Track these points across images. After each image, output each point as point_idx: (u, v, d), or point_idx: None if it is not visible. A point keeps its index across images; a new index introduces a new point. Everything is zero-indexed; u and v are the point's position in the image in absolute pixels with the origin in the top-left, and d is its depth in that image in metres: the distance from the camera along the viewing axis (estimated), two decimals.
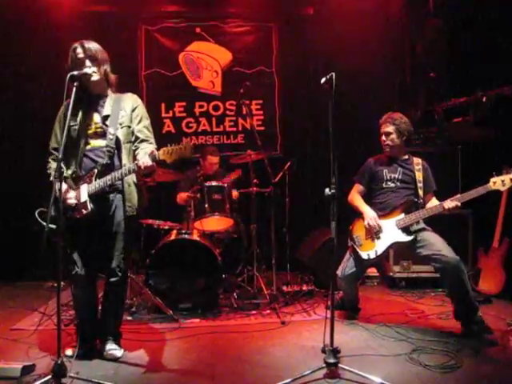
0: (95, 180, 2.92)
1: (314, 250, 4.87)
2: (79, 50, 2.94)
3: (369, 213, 3.63)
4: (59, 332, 2.56)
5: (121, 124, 3.03)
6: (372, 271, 5.05)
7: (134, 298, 4.17)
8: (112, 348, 3.06)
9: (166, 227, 4.52)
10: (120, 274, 3.06)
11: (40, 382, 2.54)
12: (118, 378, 2.77)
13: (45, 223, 2.69)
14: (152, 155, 2.78)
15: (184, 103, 6.05)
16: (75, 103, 2.81)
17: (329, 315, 2.84)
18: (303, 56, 6.00)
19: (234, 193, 4.88)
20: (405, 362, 2.92)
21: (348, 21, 5.72)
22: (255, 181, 4.53)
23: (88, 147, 3.01)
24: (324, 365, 2.71)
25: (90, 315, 3.13)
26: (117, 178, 2.91)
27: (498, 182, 3.26)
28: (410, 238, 3.51)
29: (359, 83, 5.69)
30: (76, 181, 2.97)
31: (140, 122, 3.11)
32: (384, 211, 3.65)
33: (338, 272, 3.69)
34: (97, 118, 3.04)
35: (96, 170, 2.94)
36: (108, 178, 2.90)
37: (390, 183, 3.75)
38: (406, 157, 3.83)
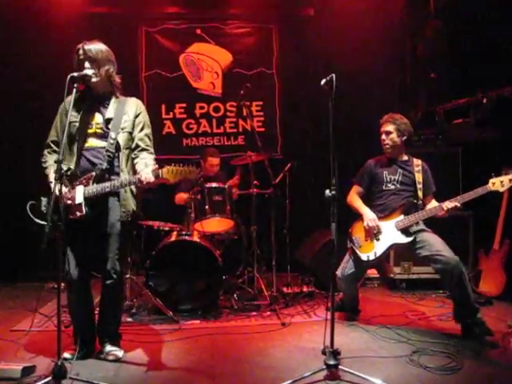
0: (92, 184, 2.90)
1: (314, 251, 4.87)
2: (80, 52, 2.95)
3: (368, 214, 3.63)
4: (59, 333, 2.55)
5: (123, 129, 3.03)
6: (372, 272, 5.05)
7: (135, 300, 4.17)
8: (112, 349, 3.06)
9: (167, 228, 4.52)
10: (115, 276, 3.02)
11: (40, 383, 2.54)
12: (118, 379, 2.76)
13: (35, 218, 2.70)
14: (155, 172, 2.79)
15: (184, 104, 6.06)
16: (78, 101, 2.81)
17: (329, 317, 2.84)
18: (303, 57, 6.00)
19: (234, 190, 4.90)
20: (405, 364, 2.92)
21: (348, 22, 5.73)
22: (255, 182, 4.53)
23: (86, 146, 2.99)
24: (324, 366, 2.70)
25: (85, 319, 3.11)
26: (116, 187, 2.90)
27: (496, 183, 3.27)
28: (409, 239, 3.51)
29: (360, 84, 5.70)
30: (71, 179, 2.93)
31: (142, 129, 3.10)
32: (384, 213, 3.65)
33: (338, 273, 3.69)
34: (99, 118, 3.03)
35: (94, 174, 2.92)
36: (106, 185, 2.88)
37: (389, 185, 3.75)
38: (406, 158, 3.83)
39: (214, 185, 4.52)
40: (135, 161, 3.05)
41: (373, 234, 3.58)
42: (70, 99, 2.83)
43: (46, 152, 3.11)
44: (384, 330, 3.56)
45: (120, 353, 3.06)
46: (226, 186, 4.52)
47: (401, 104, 5.80)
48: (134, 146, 3.07)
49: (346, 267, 3.68)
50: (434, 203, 3.63)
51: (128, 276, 4.16)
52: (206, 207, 4.38)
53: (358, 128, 5.58)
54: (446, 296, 4.33)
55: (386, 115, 3.80)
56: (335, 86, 2.78)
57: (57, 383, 2.50)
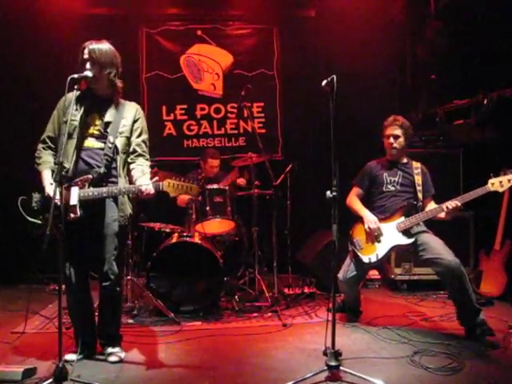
0: (88, 187, 2.88)
1: (315, 252, 4.87)
2: (85, 51, 2.93)
3: (369, 217, 3.63)
4: (60, 335, 2.55)
5: (121, 133, 3.03)
6: (374, 274, 5.05)
7: (136, 301, 4.17)
8: (113, 351, 3.05)
9: (168, 230, 4.52)
10: (112, 277, 3.00)
11: None
12: (119, 380, 2.76)
13: (25, 213, 2.71)
14: (156, 184, 2.82)
15: (185, 106, 6.05)
16: (78, 99, 2.81)
17: (330, 318, 2.83)
18: (304, 58, 6.00)
19: (240, 180, 4.94)
20: (406, 365, 2.91)
21: (349, 23, 5.72)
22: (256, 183, 4.53)
23: (83, 146, 2.96)
24: (325, 367, 2.70)
25: (85, 321, 3.11)
26: (114, 193, 2.90)
27: (496, 184, 3.27)
28: (410, 240, 3.51)
29: (360, 85, 5.70)
30: (66, 179, 2.86)
31: (140, 135, 3.11)
32: (384, 214, 3.65)
33: (340, 275, 3.68)
34: (98, 120, 3.03)
35: (91, 177, 2.90)
36: (104, 191, 2.88)
37: (390, 187, 3.75)
38: (406, 160, 3.84)
39: (214, 186, 4.53)
40: (131, 166, 3.06)
41: (374, 236, 3.58)
42: (70, 96, 2.84)
43: (40, 147, 3.05)
44: (385, 330, 3.56)
45: (121, 354, 3.06)
46: (227, 188, 4.52)
47: (401, 105, 5.81)
48: (131, 150, 3.08)
49: (347, 270, 3.67)
50: (432, 205, 3.63)
51: (129, 277, 4.17)
52: (207, 208, 4.38)
53: (358, 129, 5.58)
54: (447, 297, 4.33)
55: (390, 117, 3.78)
56: (336, 87, 2.78)
57: None
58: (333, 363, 2.69)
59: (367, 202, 3.82)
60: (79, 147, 2.96)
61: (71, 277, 2.99)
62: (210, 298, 4.13)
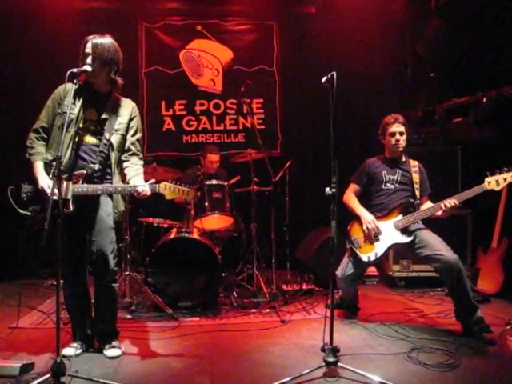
0: (82, 183, 2.87)
1: (313, 248, 4.88)
2: (88, 45, 2.91)
3: (366, 216, 3.63)
4: (58, 330, 2.54)
5: (116, 130, 3.02)
6: (372, 270, 5.06)
7: (134, 297, 4.17)
8: (111, 346, 3.05)
9: (166, 225, 4.52)
10: (107, 272, 3.00)
11: (39, 380, 2.52)
12: (117, 376, 2.76)
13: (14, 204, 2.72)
14: (152, 186, 2.84)
15: (184, 101, 6.04)
16: (76, 92, 2.81)
17: (328, 314, 2.84)
18: (304, 55, 6.00)
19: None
20: (404, 361, 2.92)
21: (349, 20, 5.73)
22: (255, 179, 4.53)
23: (78, 140, 2.94)
24: (323, 363, 2.71)
25: (82, 316, 3.11)
26: (109, 191, 2.91)
27: (492, 182, 3.27)
28: (409, 238, 3.51)
29: (360, 82, 5.71)
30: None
31: (135, 134, 3.11)
32: (382, 212, 3.65)
33: (338, 273, 3.68)
34: (94, 115, 3.01)
35: (85, 172, 2.89)
36: (99, 188, 2.87)
37: (388, 184, 3.75)
38: (404, 159, 3.84)
39: (213, 182, 4.53)
40: (125, 164, 3.07)
41: (373, 235, 3.58)
42: (68, 87, 2.83)
43: (33, 137, 2.96)
44: (383, 327, 3.57)
45: (119, 350, 3.06)
46: (226, 184, 4.52)
47: (401, 102, 5.81)
48: (125, 148, 3.08)
49: (345, 267, 3.67)
50: (429, 204, 3.64)
51: (127, 273, 4.17)
52: (206, 204, 4.38)
53: (358, 126, 5.58)
54: (445, 294, 4.34)
55: (390, 116, 3.76)
56: (336, 84, 2.77)
57: (56, 380, 2.49)
58: (331, 359, 2.70)
59: (365, 199, 3.82)
60: (74, 141, 2.92)
61: (67, 271, 2.97)
62: (208, 294, 4.13)
